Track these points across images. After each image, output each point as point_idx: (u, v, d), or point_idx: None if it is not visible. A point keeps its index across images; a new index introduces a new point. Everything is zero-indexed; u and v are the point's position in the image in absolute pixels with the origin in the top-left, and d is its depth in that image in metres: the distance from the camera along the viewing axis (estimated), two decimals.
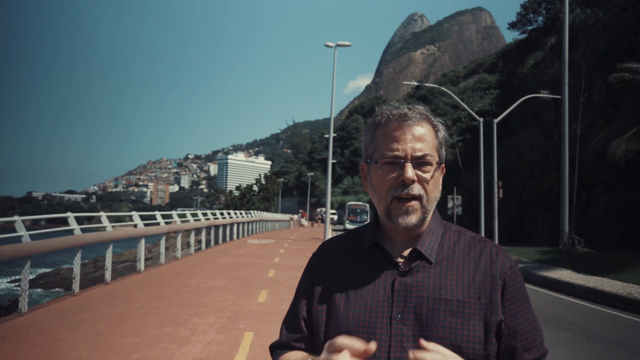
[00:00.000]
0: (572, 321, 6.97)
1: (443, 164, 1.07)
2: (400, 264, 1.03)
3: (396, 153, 1.00)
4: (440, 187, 1.06)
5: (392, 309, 0.98)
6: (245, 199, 47.36)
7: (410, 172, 0.98)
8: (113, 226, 9.72)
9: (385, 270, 1.03)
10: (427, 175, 1.00)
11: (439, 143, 1.04)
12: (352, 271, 1.06)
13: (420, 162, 1.00)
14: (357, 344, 0.83)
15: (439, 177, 1.05)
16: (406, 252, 1.04)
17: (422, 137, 1.01)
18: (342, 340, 0.84)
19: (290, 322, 1.12)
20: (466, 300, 0.97)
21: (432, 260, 1.01)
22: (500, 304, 0.98)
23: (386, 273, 1.02)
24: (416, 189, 1.00)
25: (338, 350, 0.83)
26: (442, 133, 1.06)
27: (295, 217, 45.59)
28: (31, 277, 6.62)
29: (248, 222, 24.84)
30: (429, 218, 1.05)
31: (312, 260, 1.17)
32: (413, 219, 1.00)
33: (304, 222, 43.10)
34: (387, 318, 0.97)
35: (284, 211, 69.94)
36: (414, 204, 1.00)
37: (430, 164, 1.01)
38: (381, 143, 1.02)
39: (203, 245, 16.10)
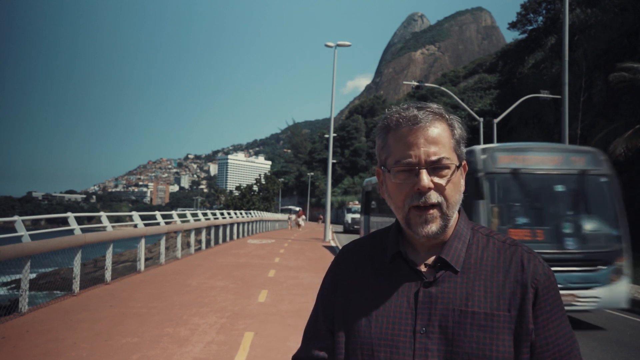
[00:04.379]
0: (572, 321, 6.96)
1: (464, 163, 0.99)
2: (424, 273, 0.97)
3: (409, 160, 0.93)
4: (463, 189, 0.98)
5: (415, 322, 0.93)
6: (245, 199, 47.37)
7: (425, 179, 0.92)
8: (113, 226, 9.72)
9: (409, 280, 0.97)
10: (444, 180, 0.93)
11: (455, 142, 0.97)
12: (374, 281, 1.01)
13: (436, 167, 0.93)
14: None
15: (459, 179, 0.97)
16: (430, 261, 0.98)
17: (436, 139, 0.93)
18: None
19: (312, 331, 1.08)
20: (495, 313, 0.90)
21: (458, 269, 0.95)
22: (532, 313, 0.91)
23: (410, 283, 0.97)
24: (434, 197, 0.92)
25: None
26: (459, 130, 0.98)
27: (293, 216, 40.83)
28: (31, 276, 6.62)
29: (248, 222, 24.84)
30: (452, 223, 0.97)
31: (332, 268, 1.11)
32: (433, 227, 0.93)
33: (301, 222, 38.62)
34: (410, 331, 0.93)
35: (284, 211, 69.96)
36: (433, 212, 0.93)
37: (447, 167, 0.93)
38: (393, 149, 0.96)
39: (203, 245, 16.10)
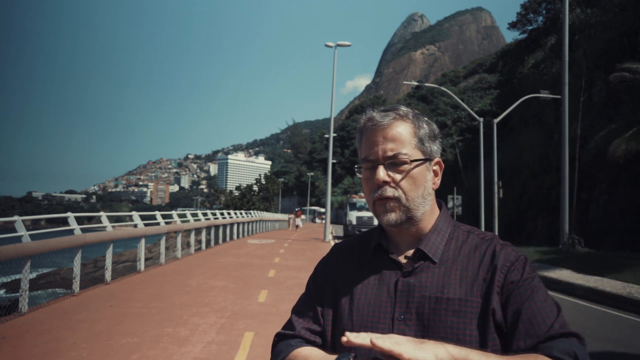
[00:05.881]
0: (572, 321, 6.95)
1: (436, 159, 1.06)
2: (403, 264, 1.03)
3: (370, 157, 1.02)
4: (431, 184, 1.05)
5: (394, 310, 0.98)
6: (245, 199, 47.35)
7: (381, 173, 0.99)
8: (113, 226, 9.72)
9: (390, 271, 1.03)
10: (400, 175, 1.00)
11: (419, 139, 1.03)
12: (358, 273, 1.08)
13: (393, 163, 1.00)
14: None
15: (423, 174, 1.02)
16: (410, 253, 1.04)
17: (394, 137, 1.01)
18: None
19: (304, 312, 1.11)
20: (468, 299, 0.95)
21: (435, 260, 1.01)
22: (499, 296, 0.94)
23: (390, 274, 1.03)
24: (389, 191, 1.00)
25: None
26: (425, 130, 1.04)
27: (292, 216, 38.93)
28: (31, 276, 6.62)
29: (248, 222, 24.84)
30: (419, 215, 1.03)
31: (323, 261, 1.18)
32: (392, 216, 1.00)
33: (300, 222, 36.83)
34: (389, 318, 0.98)
35: (283, 211, 70.06)
36: (392, 203, 1.00)
37: (404, 162, 1.00)
38: (362, 149, 1.06)
39: (203, 245, 16.10)
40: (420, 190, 1.02)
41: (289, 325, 1.10)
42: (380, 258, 1.06)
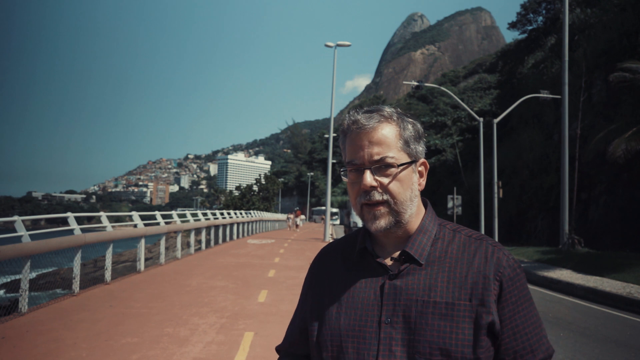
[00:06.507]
0: (572, 321, 6.97)
1: (421, 160, 1.06)
2: (389, 266, 1.02)
3: (356, 161, 1.01)
4: (418, 185, 1.05)
5: (381, 313, 0.97)
6: (245, 199, 47.35)
7: (368, 178, 0.98)
8: (113, 226, 9.72)
9: (376, 274, 1.02)
10: (387, 179, 0.99)
11: (404, 142, 1.02)
12: (344, 276, 1.07)
13: (380, 166, 0.99)
14: None
15: (410, 176, 1.02)
16: (396, 254, 1.03)
17: (380, 140, 1.00)
18: None
19: (289, 328, 1.19)
20: (456, 302, 0.94)
21: (422, 262, 1.00)
22: (496, 305, 0.95)
23: (376, 277, 1.02)
24: (377, 196, 0.99)
25: None
26: (410, 131, 1.03)
27: (291, 216, 37.78)
28: (31, 276, 6.61)
29: (248, 222, 24.84)
30: (406, 217, 1.02)
31: (310, 268, 1.19)
32: (382, 222, 1.00)
33: (300, 222, 36.28)
34: (376, 322, 0.97)
35: (283, 211, 70.00)
36: (381, 208, 0.99)
37: (391, 165, 0.99)
38: (347, 151, 1.04)
39: (203, 245, 16.11)
40: (407, 193, 1.01)
41: (283, 340, 1.20)
42: (366, 261, 1.05)
